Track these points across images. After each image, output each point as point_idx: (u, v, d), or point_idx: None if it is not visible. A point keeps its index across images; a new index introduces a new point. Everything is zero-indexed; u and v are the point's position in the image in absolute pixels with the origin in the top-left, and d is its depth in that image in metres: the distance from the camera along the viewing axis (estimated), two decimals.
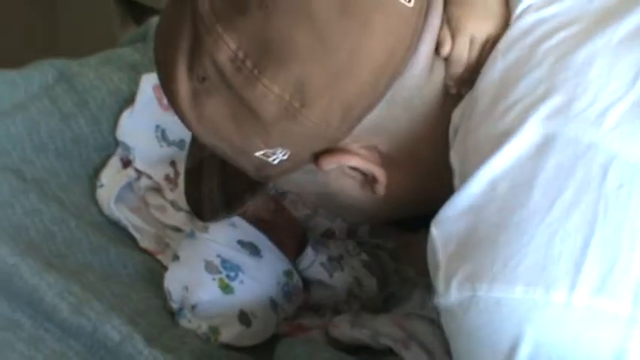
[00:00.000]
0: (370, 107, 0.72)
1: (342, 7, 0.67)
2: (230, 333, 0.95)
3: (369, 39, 0.69)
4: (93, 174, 1.10)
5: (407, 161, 0.77)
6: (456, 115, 0.72)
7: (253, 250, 0.96)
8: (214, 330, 0.95)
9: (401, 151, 0.76)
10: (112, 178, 1.08)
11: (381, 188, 0.78)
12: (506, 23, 0.73)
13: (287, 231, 0.99)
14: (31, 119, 1.08)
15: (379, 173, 0.77)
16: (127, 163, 1.10)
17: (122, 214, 1.06)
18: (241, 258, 0.96)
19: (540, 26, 0.70)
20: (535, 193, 0.63)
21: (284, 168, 0.75)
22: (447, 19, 0.74)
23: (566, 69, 0.67)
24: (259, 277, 0.96)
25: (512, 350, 0.62)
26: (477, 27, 0.73)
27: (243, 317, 0.95)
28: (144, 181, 1.08)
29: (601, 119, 0.64)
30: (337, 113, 0.71)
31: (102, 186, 1.08)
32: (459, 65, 0.73)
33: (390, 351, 0.89)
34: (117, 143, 1.11)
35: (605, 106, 0.65)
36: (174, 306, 0.97)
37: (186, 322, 0.96)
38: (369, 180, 0.78)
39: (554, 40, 0.69)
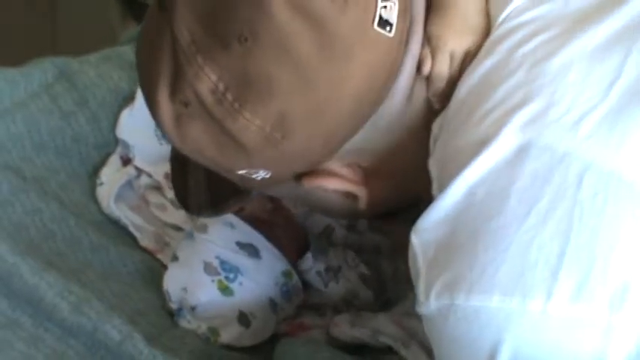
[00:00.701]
0: (351, 134, 0.72)
1: (321, 43, 0.67)
2: (229, 334, 0.95)
3: (350, 73, 0.69)
4: (93, 172, 1.09)
5: (388, 174, 0.78)
6: (436, 125, 0.73)
7: (252, 251, 0.96)
8: (214, 331, 0.95)
9: (382, 166, 0.77)
10: (111, 177, 1.08)
11: (362, 203, 0.80)
12: (487, 34, 0.73)
13: (286, 231, 0.99)
14: (31, 117, 1.08)
15: (360, 192, 0.78)
16: (126, 161, 1.09)
17: (122, 213, 1.05)
18: (240, 259, 0.95)
19: (518, 31, 0.70)
20: (512, 200, 0.63)
21: (267, 182, 0.76)
22: (427, 39, 0.74)
23: (543, 75, 0.67)
24: (258, 279, 0.96)
25: (492, 358, 0.63)
26: (457, 42, 0.73)
27: (243, 318, 0.95)
28: (144, 180, 1.08)
29: (576, 127, 0.64)
30: (318, 141, 0.71)
31: (102, 184, 1.08)
32: (441, 81, 0.74)
33: (389, 350, 0.89)
34: (117, 141, 1.11)
35: (580, 114, 0.64)
36: (174, 307, 0.97)
37: (186, 322, 0.96)
38: (350, 195, 0.80)
39: (531, 45, 0.69)
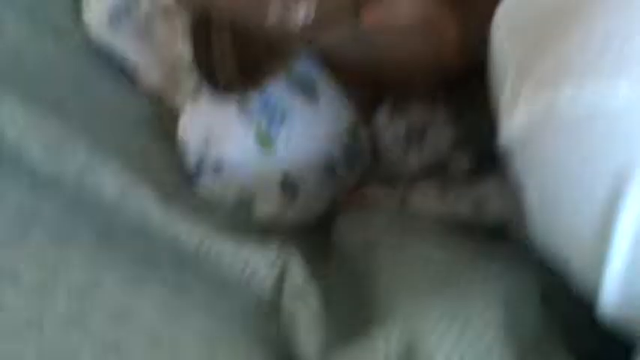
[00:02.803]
0: None
1: None
2: (268, 205, 0.78)
3: None
4: None
5: None
6: None
7: (307, 89, 0.79)
8: (246, 201, 0.78)
9: None
10: None
11: (449, 38, 0.71)
12: None
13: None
14: None
15: (443, 16, 0.71)
16: None
17: (119, 41, 0.86)
18: (289, 100, 0.78)
19: None
20: None
21: (312, 27, 0.70)
22: None
23: None
24: (312, 131, 0.79)
25: (622, 179, 0.50)
26: None
27: (287, 184, 0.78)
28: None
29: None
30: None
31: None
32: None
33: (500, 231, 0.70)
34: None
35: None
36: (192, 162, 0.79)
37: (209, 185, 0.78)
38: (432, 27, 0.71)
39: None
